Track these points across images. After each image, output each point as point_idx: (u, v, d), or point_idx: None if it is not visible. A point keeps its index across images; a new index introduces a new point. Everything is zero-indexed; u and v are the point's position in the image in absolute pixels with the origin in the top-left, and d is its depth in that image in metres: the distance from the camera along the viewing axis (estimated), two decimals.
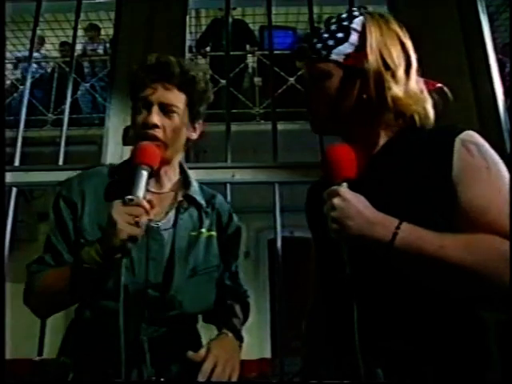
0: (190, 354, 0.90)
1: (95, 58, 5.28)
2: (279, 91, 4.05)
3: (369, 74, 0.83)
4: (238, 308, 1.10)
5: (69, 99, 1.79)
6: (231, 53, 1.93)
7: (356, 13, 0.89)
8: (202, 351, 0.90)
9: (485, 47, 1.65)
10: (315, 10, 1.83)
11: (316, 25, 2.86)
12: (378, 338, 0.76)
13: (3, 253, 1.46)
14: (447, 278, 0.72)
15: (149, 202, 0.84)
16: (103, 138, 1.65)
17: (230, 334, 1.00)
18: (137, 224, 0.81)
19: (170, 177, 1.07)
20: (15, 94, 4.82)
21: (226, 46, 1.84)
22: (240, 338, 1.04)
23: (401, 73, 0.84)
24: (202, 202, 1.08)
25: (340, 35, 0.86)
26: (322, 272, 0.93)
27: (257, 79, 5.02)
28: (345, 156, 0.79)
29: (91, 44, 5.35)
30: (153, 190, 1.03)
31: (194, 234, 1.04)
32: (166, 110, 0.99)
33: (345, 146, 0.81)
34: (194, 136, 1.08)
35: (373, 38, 0.84)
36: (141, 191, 0.85)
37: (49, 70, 5.39)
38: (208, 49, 5.06)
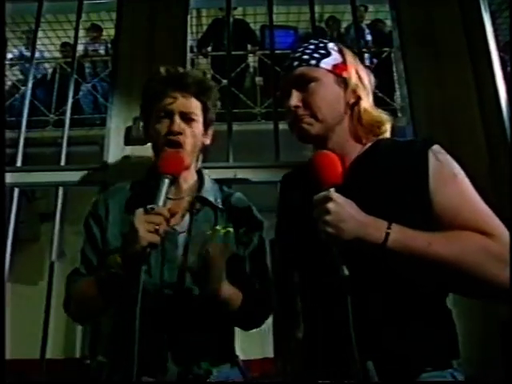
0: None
1: (97, 59, 5.28)
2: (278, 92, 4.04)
3: (350, 83, 0.95)
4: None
5: (70, 100, 1.79)
6: (232, 52, 1.93)
7: (325, 40, 1.02)
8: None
9: (487, 45, 1.65)
10: (316, 9, 1.83)
11: (317, 24, 2.85)
12: (372, 336, 0.80)
13: (3, 253, 1.46)
14: (436, 272, 0.78)
15: (169, 210, 0.90)
16: (105, 139, 1.65)
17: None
18: (157, 232, 0.86)
19: (188, 181, 1.12)
20: (17, 95, 4.82)
21: (227, 45, 1.84)
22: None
23: (368, 86, 0.99)
24: (213, 200, 1.10)
25: (322, 51, 0.97)
26: (306, 273, 0.96)
27: (258, 79, 5.02)
28: (332, 162, 0.85)
29: (92, 44, 5.35)
30: (171, 196, 1.06)
31: (209, 232, 1.06)
32: (187, 117, 1.06)
33: (331, 153, 0.87)
34: (208, 141, 1.15)
35: (349, 57, 0.99)
36: (161, 200, 0.90)
37: (49, 71, 5.40)
38: (209, 49, 5.06)
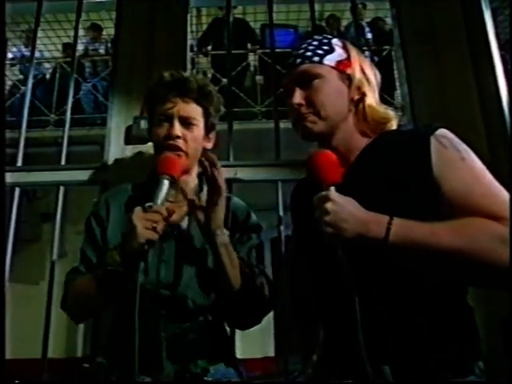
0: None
1: (97, 58, 5.28)
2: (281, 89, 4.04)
3: (354, 80, 0.93)
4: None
5: (71, 99, 1.79)
6: (232, 51, 1.92)
7: (329, 36, 1.00)
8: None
9: (488, 43, 1.64)
10: (316, 7, 1.82)
11: (317, 22, 2.85)
12: (381, 336, 0.78)
13: (3, 253, 1.46)
14: (443, 263, 0.75)
15: (167, 209, 0.90)
16: (105, 138, 1.65)
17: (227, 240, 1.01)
18: (154, 229, 0.87)
19: (189, 185, 1.13)
20: (17, 95, 4.82)
21: (227, 44, 1.84)
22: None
23: (373, 82, 0.97)
24: None
25: (326, 47, 0.95)
26: (316, 274, 0.95)
27: (258, 78, 5.02)
28: (330, 162, 0.84)
29: (93, 44, 5.35)
30: (172, 199, 1.08)
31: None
32: (186, 122, 1.07)
33: (329, 152, 0.86)
34: (209, 146, 1.15)
35: (354, 52, 0.97)
36: (160, 199, 0.91)
37: (49, 71, 5.39)
38: (209, 48, 5.05)
